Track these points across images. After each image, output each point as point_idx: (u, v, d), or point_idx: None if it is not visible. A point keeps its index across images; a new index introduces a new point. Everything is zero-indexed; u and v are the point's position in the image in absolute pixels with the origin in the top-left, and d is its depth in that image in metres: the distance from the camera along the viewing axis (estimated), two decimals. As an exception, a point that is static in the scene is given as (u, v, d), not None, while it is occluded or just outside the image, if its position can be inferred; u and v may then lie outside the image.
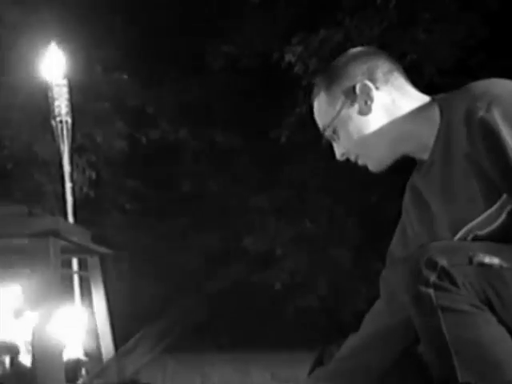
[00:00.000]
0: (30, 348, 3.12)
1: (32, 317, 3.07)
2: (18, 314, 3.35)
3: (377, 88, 1.89)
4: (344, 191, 11.32)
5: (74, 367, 3.23)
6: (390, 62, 1.94)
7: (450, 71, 8.41)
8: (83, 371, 3.28)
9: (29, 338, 3.14)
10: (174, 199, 12.08)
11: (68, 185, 5.00)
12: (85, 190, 10.24)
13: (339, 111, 1.91)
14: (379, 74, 1.90)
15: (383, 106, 1.89)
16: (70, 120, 5.33)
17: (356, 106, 1.90)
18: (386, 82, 1.90)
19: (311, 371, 2.06)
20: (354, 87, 1.89)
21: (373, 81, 1.89)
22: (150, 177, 11.96)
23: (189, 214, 12.04)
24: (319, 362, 2.08)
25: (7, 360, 3.12)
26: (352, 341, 2.01)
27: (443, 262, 1.63)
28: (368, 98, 1.89)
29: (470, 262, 1.63)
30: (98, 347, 3.59)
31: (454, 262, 1.63)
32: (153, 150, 11.76)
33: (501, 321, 1.63)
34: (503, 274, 1.62)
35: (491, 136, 1.69)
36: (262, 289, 11.27)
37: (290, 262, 11.40)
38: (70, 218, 4.86)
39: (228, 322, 11.30)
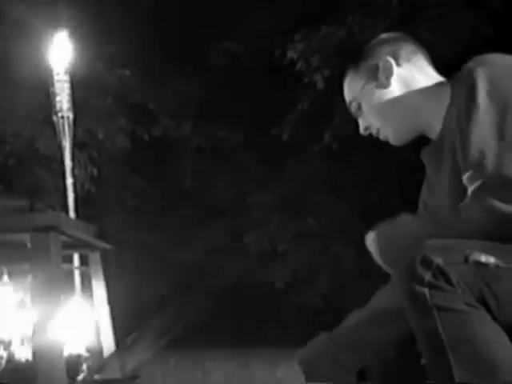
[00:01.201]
0: (31, 343, 3.11)
1: (32, 312, 3.06)
2: (18, 309, 3.34)
3: (398, 64, 1.99)
4: (346, 188, 11.32)
5: (74, 363, 3.22)
6: (416, 45, 2.04)
7: (453, 70, 8.38)
8: (84, 366, 3.28)
9: (29, 334, 3.13)
10: (175, 195, 12.09)
11: (69, 180, 4.97)
12: (86, 186, 10.23)
13: (363, 86, 2.01)
14: (402, 54, 2.00)
15: (403, 81, 1.98)
16: (71, 116, 5.30)
17: (378, 81, 1.99)
18: (408, 60, 1.99)
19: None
20: (377, 64, 1.99)
21: (395, 58, 1.99)
22: (152, 173, 11.97)
23: (190, 211, 12.05)
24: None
25: (3, 356, 3.12)
26: (359, 313, 2.02)
27: (438, 260, 1.61)
28: (389, 73, 1.98)
29: (466, 260, 1.61)
30: (99, 342, 3.59)
31: (450, 260, 1.61)
32: (155, 147, 11.76)
33: (496, 320, 1.62)
34: (499, 274, 1.61)
35: (468, 92, 1.73)
36: (264, 286, 11.27)
37: (292, 260, 11.40)
38: (72, 214, 4.85)
39: (229, 319, 11.31)
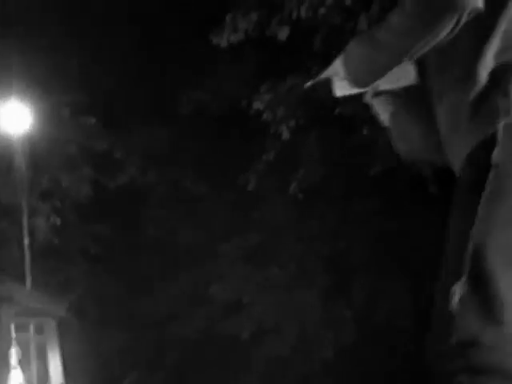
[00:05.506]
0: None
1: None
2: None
3: None
4: (312, 237, 11.28)
5: None
6: None
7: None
8: None
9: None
10: (140, 244, 11.97)
11: (26, 241, 4.91)
12: (49, 236, 10.06)
13: None
14: None
15: None
16: (29, 173, 5.26)
17: None
18: None
19: None
20: None
21: None
22: (117, 221, 11.84)
23: (155, 260, 11.92)
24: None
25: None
26: None
27: None
28: None
29: None
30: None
31: None
32: (120, 195, 11.66)
33: None
34: None
35: None
36: (229, 338, 11.12)
37: (258, 310, 11.28)
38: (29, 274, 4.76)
39: (195, 371, 11.15)
